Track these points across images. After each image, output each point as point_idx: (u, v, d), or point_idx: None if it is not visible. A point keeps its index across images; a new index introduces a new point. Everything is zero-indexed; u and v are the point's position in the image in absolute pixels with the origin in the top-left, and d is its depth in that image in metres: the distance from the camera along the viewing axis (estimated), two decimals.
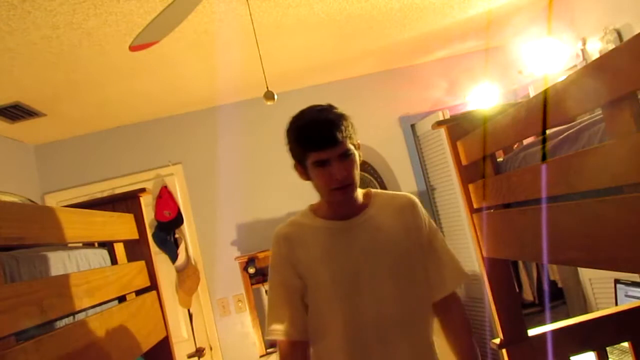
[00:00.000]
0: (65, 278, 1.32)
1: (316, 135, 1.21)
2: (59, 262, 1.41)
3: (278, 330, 1.31)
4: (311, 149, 1.22)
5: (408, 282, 1.32)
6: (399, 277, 1.31)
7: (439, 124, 1.89)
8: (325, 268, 1.30)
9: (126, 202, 1.95)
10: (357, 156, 1.28)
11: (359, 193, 1.36)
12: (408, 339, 1.29)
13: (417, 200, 1.43)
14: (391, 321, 1.28)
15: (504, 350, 1.72)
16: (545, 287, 3.59)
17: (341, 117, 1.25)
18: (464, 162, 1.79)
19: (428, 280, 1.36)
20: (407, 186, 4.06)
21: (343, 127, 1.23)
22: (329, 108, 1.28)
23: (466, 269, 1.44)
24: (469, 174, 1.79)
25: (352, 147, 1.25)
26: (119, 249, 1.85)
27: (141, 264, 1.91)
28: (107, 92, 3.22)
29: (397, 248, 1.32)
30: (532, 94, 3.66)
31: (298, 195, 2.55)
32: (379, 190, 1.44)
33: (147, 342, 1.76)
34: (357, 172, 1.27)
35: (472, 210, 1.80)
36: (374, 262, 1.29)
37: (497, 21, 3.51)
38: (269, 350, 3.52)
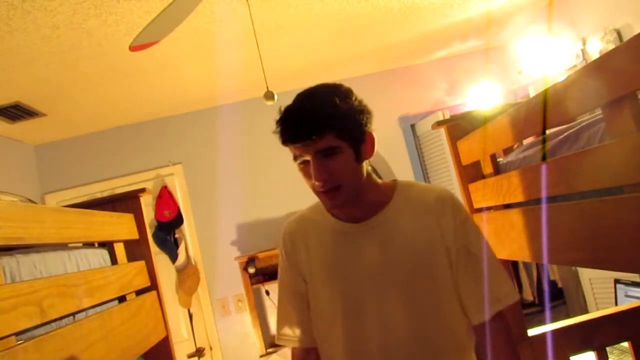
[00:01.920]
0: (65, 278, 1.32)
1: (290, 126, 1.00)
2: (59, 262, 1.41)
3: (290, 336, 1.18)
4: (286, 142, 1.01)
5: (427, 305, 1.05)
6: (415, 299, 1.05)
7: (439, 124, 1.89)
8: (325, 279, 1.11)
9: (126, 202, 1.95)
10: (353, 153, 1.02)
11: (372, 190, 1.10)
12: None
13: (451, 195, 1.12)
14: (403, 353, 1.04)
15: None
16: (545, 287, 3.59)
17: (328, 104, 0.99)
18: (464, 162, 1.79)
19: (462, 302, 1.08)
20: None
21: (324, 118, 0.98)
22: (323, 90, 1.04)
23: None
24: (469, 174, 1.79)
25: (341, 142, 0.99)
26: (119, 249, 1.85)
27: (141, 264, 1.91)
28: (107, 92, 3.22)
29: (414, 261, 1.06)
30: (532, 94, 3.66)
31: (298, 194, 2.55)
32: (408, 182, 1.16)
33: (147, 342, 1.75)
34: (352, 172, 1.03)
35: (472, 210, 1.80)
36: (384, 278, 1.05)
37: (497, 21, 3.51)
38: (269, 350, 3.52)
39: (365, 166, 1.08)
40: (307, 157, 1.00)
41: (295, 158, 1.03)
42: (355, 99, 1.04)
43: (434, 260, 1.06)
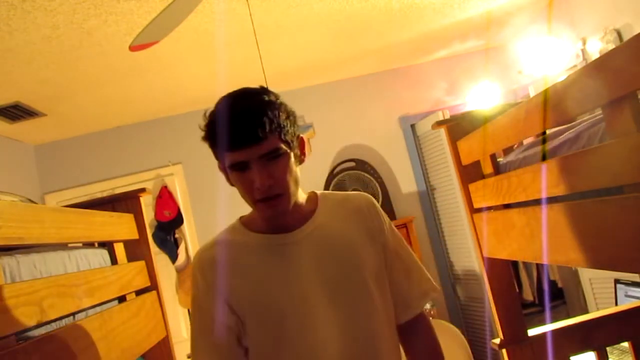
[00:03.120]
0: (65, 278, 1.32)
1: (229, 130, 0.92)
2: (59, 262, 1.41)
3: None
4: (224, 149, 0.94)
5: (377, 304, 1.03)
6: (365, 298, 1.02)
7: (439, 124, 1.89)
8: (266, 298, 0.99)
9: (126, 202, 1.95)
10: (293, 156, 0.98)
11: (301, 198, 1.05)
12: None
13: (375, 200, 1.14)
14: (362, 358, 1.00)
15: (504, 350, 1.72)
16: (545, 287, 3.59)
17: (268, 105, 0.94)
18: (464, 162, 1.79)
19: (393, 298, 1.09)
20: (407, 186, 4.06)
21: (268, 119, 0.92)
22: (256, 92, 0.97)
23: (435, 282, 1.17)
24: (469, 174, 1.79)
25: (282, 145, 0.95)
26: (119, 249, 1.85)
27: (141, 264, 1.91)
28: (107, 92, 3.22)
29: (357, 261, 1.03)
30: (532, 94, 3.66)
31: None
32: (327, 192, 1.14)
33: (147, 342, 1.75)
34: (293, 177, 0.97)
35: (472, 210, 1.80)
36: (330, 283, 0.99)
37: (497, 21, 3.51)
38: None
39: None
40: (241, 161, 0.93)
41: (230, 167, 0.95)
42: (282, 101, 1.00)
43: (375, 260, 1.06)
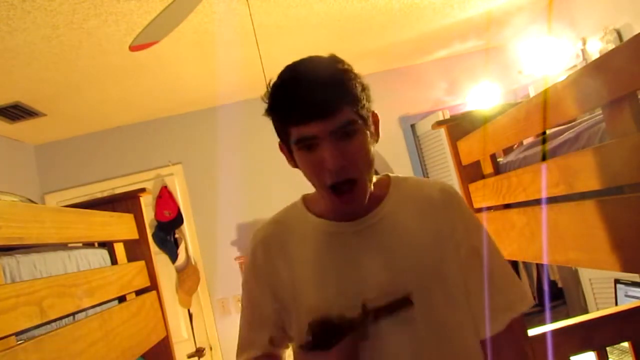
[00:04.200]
0: (65, 278, 1.32)
1: (297, 99, 0.79)
2: (59, 262, 1.41)
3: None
4: (290, 122, 0.80)
5: (445, 315, 0.86)
6: (430, 308, 0.85)
7: (439, 124, 1.89)
8: (316, 293, 0.86)
9: (126, 202, 1.95)
10: (369, 135, 0.85)
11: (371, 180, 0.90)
12: None
13: (456, 190, 0.96)
14: None
15: None
16: (545, 287, 3.59)
17: (343, 73, 0.82)
18: (464, 162, 1.79)
19: (471, 310, 0.89)
20: None
21: (344, 87, 0.80)
22: (328, 60, 0.84)
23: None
24: (469, 174, 1.79)
25: (358, 118, 0.81)
26: (119, 249, 1.85)
27: (141, 264, 1.91)
28: (107, 92, 3.22)
29: (425, 264, 0.87)
30: (532, 94, 3.66)
31: (300, 194, 2.55)
32: (401, 177, 0.97)
33: (147, 342, 1.75)
34: (369, 159, 0.84)
35: (472, 210, 1.80)
36: (392, 285, 0.84)
37: (497, 21, 3.51)
38: None
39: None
40: (310, 137, 0.79)
41: (297, 143, 0.81)
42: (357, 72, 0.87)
43: (445, 262, 0.88)
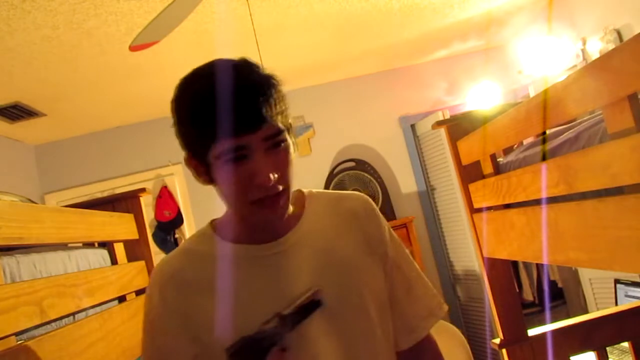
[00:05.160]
0: (65, 278, 1.32)
1: (224, 109, 0.72)
2: (59, 262, 1.41)
3: None
4: (215, 134, 0.72)
5: (379, 331, 0.84)
6: (366, 326, 0.83)
7: (439, 124, 1.89)
8: (242, 322, 0.76)
9: (126, 202, 1.95)
10: (293, 146, 0.79)
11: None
12: None
13: (372, 202, 0.94)
14: None
15: (504, 350, 1.72)
16: (545, 287, 3.59)
17: (269, 79, 0.76)
18: (464, 162, 1.79)
19: (396, 320, 0.90)
20: (407, 186, 4.06)
21: (272, 95, 0.74)
22: (248, 64, 0.77)
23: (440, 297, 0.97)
24: (469, 174, 1.79)
25: (284, 127, 0.77)
26: (119, 249, 1.85)
27: (141, 264, 1.91)
28: (107, 92, 3.22)
29: (355, 279, 0.83)
30: (532, 94, 3.67)
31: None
32: (315, 191, 0.92)
33: None
34: (292, 172, 0.79)
35: (472, 210, 1.80)
36: (328, 306, 0.80)
37: (497, 21, 3.51)
38: None
39: None
40: (241, 147, 0.72)
41: (221, 157, 0.73)
42: None
43: (373, 274, 0.86)
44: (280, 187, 0.75)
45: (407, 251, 0.95)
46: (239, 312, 0.78)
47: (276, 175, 0.74)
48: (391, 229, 0.94)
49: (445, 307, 0.95)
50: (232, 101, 0.71)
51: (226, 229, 0.85)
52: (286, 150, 0.77)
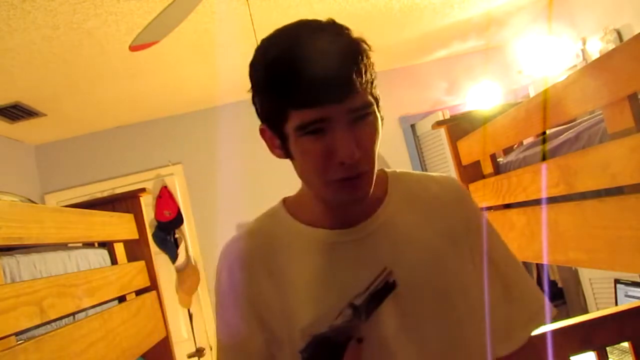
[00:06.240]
0: (65, 278, 1.32)
1: (308, 75, 0.62)
2: (59, 262, 1.41)
3: None
4: (295, 103, 0.63)
5: (470, 334, 0.74)
6: (455, 328, 0.72)
7: (439, 124, 1.89)
8: (307, 315, 0.70)
9: (126, 202, 1.95)
10: (380, 120, 0.71)
11: None
12: None
13: (464, 186, 0.84)
14: None
15: None
16: (545, 287, 3.59)
17: (358, 44, 0.67)
18: (464, 162, 1.79)
19: (490, 323, 0.77)
20: None
21: (361, 63, 0.65)
22: (335, 27, 0.69)
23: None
24: (469, 174, 1.79)
25: (373, 100, 0.69)
26: (119, 249, 1.85)
27: (141, 264, 1.91)
28: (107, 92, 3.22)
29: (441, 273, 0.73)
30: (532, 94, 3.66)
31: None
32: (400, 172, 0.83)
33: (147, 342, 1.75)
34: (376, 146, 0.70)
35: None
36: (408, 303, 0.71)
37: (497, 21, 3.51)
38: None
39: None
40: (323, 119, 0.64)
41: (301, 129, 0.65)
42: None
43: (463, 270, 0.75)
44: (364, 167, 0.67)
45: (504, 243, 0.82)
46: (310, 303, 0.71)
47: (360, 152, 0.65)
48: (485, 218, 0.82)
49: (554, 311, 0.80)
50: (317, 66, 0.62)
51: (300, 210, 0.77)
52: (373, 125, 0.68)
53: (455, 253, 0.75)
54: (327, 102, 0.62)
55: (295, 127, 0.65)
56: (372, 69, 0.69)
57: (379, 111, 0.71)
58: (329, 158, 0.65)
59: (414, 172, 0.84)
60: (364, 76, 0.65)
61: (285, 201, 0.81)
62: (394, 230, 0.75)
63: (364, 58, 0.66)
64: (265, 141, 0.74)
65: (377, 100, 0.70)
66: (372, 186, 0.70)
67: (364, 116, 0.66)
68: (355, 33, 0.68)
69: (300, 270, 0.73)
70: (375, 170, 0.71)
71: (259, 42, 0.70)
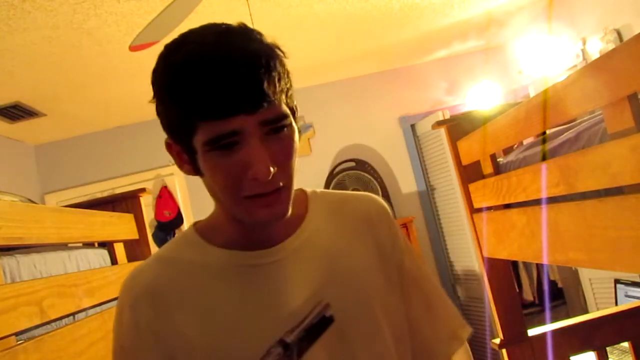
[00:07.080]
0: (65, 278, 1.32)
1: (219, 83, 0.56)
2: (59, 262, 1.41)
3: None
4: (202, 115, 0.58)
5: (389, 349, 0.70)
6: (378, 347, 0.69)
7: (439, 124, 1.89)
8: (236, 345, 0.64)
9: (126, 202, 1.95)
10: (297, 133, 0.65)
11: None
12: None
13: (385, 205, 0.80)
14: None
15: (504, 350, 1.73)
16: (545, 287, 3.59)
17: (272, 50, 0.62)
18: (464, 162, 1.79)
19: (417, 343, 0.75)
20: (407, 186, 4.06)
21: (275, 69, 0.60)
22: (246, 31, 0.62)
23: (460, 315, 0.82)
24: (469, 174, 1.79)
25: (289, 110, 0.63)
26: (119, 249, 1.85)
27: None
28: (107, 92, 3.22)
29: (365, 292, 0.70)
30: (532, 94, 3.67)
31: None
32: (320, 191, 0.79)
33: None
34: (294, 165, 0.64)
35: (472, 210, 1.80)
36: (335, 329, 0.65)
37: (497, 21, 3.51)
38: None
39: None
40: (235, 132, 0.58)
41: (210, 143, 0.59)
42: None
43: (388, 285, 0.73)
44: (281, 183, 0.62)
45: (422, 262, 0.82)
46: (230, 336, 0.64)
47: (276, 168, 0.60)
48: (405, 237, 0.80)
49: (469, 330, 0.80)
50: (225, 73, 0.56)
51: (214, 232, 0.71)
52: (289, 138, 0.62)
53: (381, 270, 0.72)
54: (236, 113, 0.57)
55: (204, 141, 0.59)
56: (287, 77, 0.63)
57: (296, 122, 0.65)
58: (243, 174, 0.60)
59: (333, 191, 0.81)
60: (277, 85, 0.59)
61: (196, 224, 0.75)
62: (320, 245, 0.70)
63: (278, 65, 0.60)
64: (173, 157, 0.68)
65: (293, 111, 0.65)
66: (291, 203, 0.65)
67: (278, 129, 0.61)
68: (269, 38, 0.63)
69: (219, 299, 0.66)
70: (294, 186, 0.66)
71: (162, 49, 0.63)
